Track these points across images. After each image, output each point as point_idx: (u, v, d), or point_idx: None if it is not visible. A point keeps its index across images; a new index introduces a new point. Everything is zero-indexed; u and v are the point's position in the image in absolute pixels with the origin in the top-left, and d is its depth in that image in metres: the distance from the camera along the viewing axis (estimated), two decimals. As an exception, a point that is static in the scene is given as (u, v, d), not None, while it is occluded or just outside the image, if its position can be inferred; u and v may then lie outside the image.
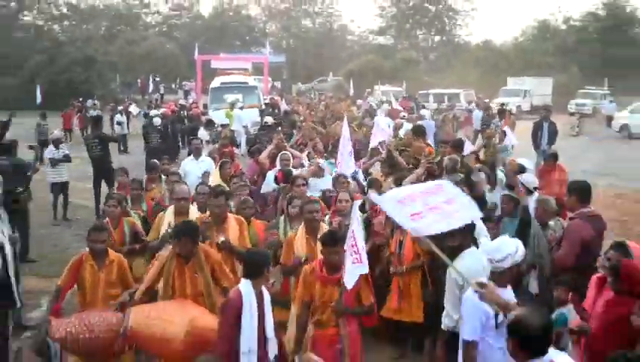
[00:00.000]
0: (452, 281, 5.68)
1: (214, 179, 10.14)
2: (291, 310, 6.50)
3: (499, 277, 4.82)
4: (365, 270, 5.54)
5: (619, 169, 20.81)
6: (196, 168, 11.68)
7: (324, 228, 7.04)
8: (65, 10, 56.65)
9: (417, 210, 4.69)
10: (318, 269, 5.80)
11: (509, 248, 4.88)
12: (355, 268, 5.35)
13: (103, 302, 6.13)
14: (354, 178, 10.13)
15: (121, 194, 8.65)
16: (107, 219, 7.78)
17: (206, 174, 11.08)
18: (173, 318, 5.47)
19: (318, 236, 6.66)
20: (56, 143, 15.06)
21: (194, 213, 7.78)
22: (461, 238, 5.94)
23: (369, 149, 12.46)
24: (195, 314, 5.59)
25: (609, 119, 33.71)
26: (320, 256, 6.16)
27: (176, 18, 61.66)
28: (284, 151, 10.99)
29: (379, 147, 11.79)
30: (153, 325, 5.39)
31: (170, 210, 7.69)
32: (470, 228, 6.14)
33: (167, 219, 7.42)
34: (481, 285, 4.46)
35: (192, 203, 8.15)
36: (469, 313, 4.61)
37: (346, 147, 10.21)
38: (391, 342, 7.84)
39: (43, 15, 56.19)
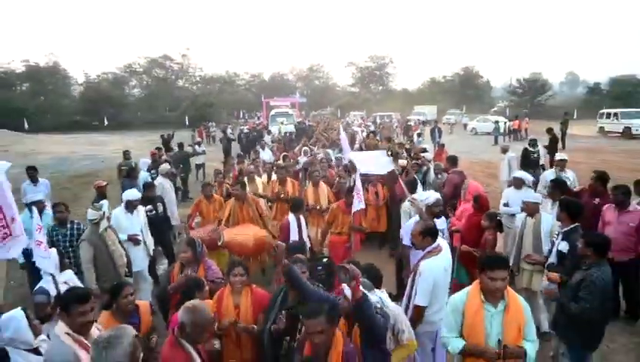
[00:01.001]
0: (403, 212, 5.57)
1: (280, 162, 9.83)
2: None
3: (424, 211, 4.62)
4: (363, 206, 5.43)
5: (471, 149, 20.59)
6: (265, 155, 11.63)
7: (322, 183, 6.94)
8: (198, 79, 56.19)
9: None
10: (342, 206, 5.74)
11: (423, 196, 4.84)
12: (358, 204, 5.26)
13: (213, 220, 6.12)
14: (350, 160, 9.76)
15: (221, 171, 8.40)
16: (216, 182, 7.66)
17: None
18: (245, 233, 5.38)
19: (318, 186, 6.75)
20: (198, 143, 15.17)
21: (259, 180, 7.59)
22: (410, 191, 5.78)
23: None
24: (255, 231, 5.49)
25: (465, 126, 33.16)
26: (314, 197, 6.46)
27: (253, 81, 60.81)
28: (305, 147, 11.02)
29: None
30: (235, 238, 5.29)
31: (246, 177, 7.48)
32: (415, 184, 6.04)
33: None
34: (413, 201, 4.69)
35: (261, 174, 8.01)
36: (406, 227, 4.48)
37: (344, 143, 10.00)
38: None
39: (187, 81, 55.75)
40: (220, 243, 5.22)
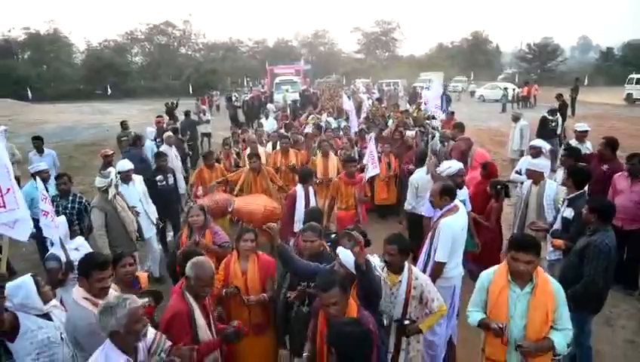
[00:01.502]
0: (410, 184, 5.48)
1: (282, 131, 9.56)
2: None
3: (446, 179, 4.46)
4: (378, 171, 5.29)
5: (478, 116, 20.22)
6: (268, 124, 11.41)
7: (332, 154, 6.80)
8: (201, 46, 54.97)
9: None
10: (343, 177, 5.62)
11: (444, 166, 4.74)
12: (372, 170, 5.16)
13: (215, 188, 5.96)
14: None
15: (229, 140, 8.18)
16: (223, 152, 7.55)
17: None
18: (256, 202, 5.36)
19: (328, 156, 6.61)
20: (203, 112, 14.87)
21: (261, 150, 7.40)
22: (420, 163, 5.71)
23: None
24: (266, 200, 5.46)
25: (472, 93, 32.48)
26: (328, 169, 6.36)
27: (257, 48, 59.04)
28: (312, 115, 10.74)
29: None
30: (246, 206, 5.26)
31: (249, 148, 7.38)
32: (425, 155, 5.86)
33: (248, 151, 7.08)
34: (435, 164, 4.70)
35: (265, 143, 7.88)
36: (410, 192, 4.42)
37: (352, 112, 9.75)
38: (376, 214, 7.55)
39: (190, 48, 54.55)
40: (230, 210, 5.23)
